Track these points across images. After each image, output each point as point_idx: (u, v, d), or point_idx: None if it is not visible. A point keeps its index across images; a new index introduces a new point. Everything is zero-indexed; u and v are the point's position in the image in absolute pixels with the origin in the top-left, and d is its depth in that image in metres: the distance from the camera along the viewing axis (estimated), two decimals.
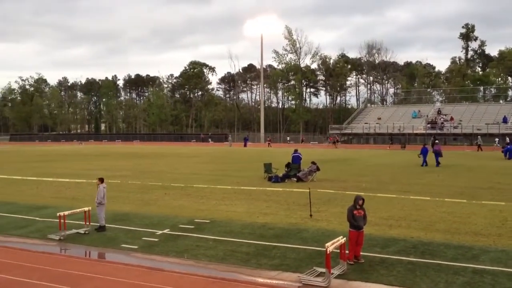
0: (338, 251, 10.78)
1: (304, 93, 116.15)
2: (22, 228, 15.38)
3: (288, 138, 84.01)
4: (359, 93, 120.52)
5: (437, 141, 45.52)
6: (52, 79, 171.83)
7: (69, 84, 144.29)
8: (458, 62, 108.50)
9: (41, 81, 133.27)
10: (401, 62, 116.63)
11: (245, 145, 70.26)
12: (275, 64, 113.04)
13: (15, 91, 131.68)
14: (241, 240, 13.34)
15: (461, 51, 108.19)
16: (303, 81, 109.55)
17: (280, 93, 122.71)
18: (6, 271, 10.90)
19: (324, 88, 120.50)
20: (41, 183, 26.32)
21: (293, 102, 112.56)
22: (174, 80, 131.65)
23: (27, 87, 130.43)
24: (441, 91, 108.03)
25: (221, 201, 19.84)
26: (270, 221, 15.77)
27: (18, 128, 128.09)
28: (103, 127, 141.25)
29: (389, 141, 68.78)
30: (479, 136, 59.30)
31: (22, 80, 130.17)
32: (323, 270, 10.19)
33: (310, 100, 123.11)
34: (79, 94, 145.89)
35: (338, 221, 15.21)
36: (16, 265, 11.39)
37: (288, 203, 19.15)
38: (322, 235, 13.70)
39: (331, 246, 10.10)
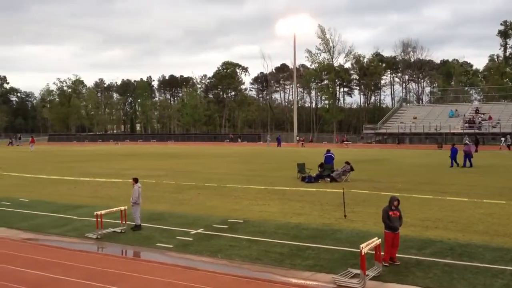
0: (373, 252, 10.67)
1: (338, 92, 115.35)
2: (61, 226, 15.75)
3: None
4: (394, 92, 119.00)
5: (467, 141, 44.38)
6: (89, 81, 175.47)
7: (105, 85, 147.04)
8: (496, 60, 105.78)
9: (78, 83, 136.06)
10: (437, 60, 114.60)
11: (278, 145, 70.25)
12: (308, 64, 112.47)
13: (54, 93, 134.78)
14: (274, 241, 13.34)
15: (499, 49, 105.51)
16: (336, 80, 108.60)
17: (313, 92, 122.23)
18: (45, 268, 11.18)
19: (358, 87, 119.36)
20: (78, 182, 26.90)
21: (326, 101, 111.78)
22: (208, 81, 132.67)
23: (65, 88, 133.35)
24: (479, 89, 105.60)
25: (254, 201, 19.88)
26: (304, 221, 15.73)
27: (56, 128, 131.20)
28: (138, 127, 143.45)
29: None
30: (508, 136, 57.79)
31: (60, 81, 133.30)
32: (358, 271, 10.10)
33: (343, 99, 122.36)
34: (115, 95, 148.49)
35: (373, 222, 15.04)
36: (55, 263, 11.67)
37: (322, 203, 19.05)
38: (356, 236, 13.57)
39: (366, 247, 10.00)
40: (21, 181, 28.04)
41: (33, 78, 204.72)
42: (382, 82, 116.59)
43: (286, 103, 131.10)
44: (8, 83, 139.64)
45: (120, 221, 15.04)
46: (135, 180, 15.52)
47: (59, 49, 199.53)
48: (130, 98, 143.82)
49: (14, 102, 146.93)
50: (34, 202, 20.35)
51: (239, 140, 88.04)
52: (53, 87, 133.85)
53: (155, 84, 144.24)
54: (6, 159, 46.22)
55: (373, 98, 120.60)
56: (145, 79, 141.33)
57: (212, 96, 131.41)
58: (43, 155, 53.36)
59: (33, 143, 65.47)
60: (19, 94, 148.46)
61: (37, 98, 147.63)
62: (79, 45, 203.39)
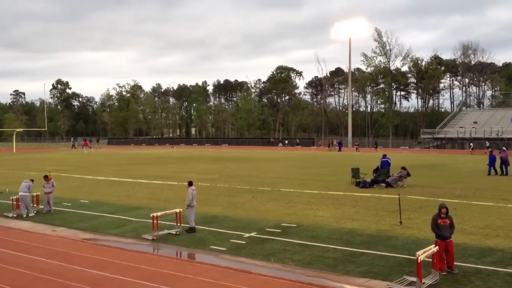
0: (430, 260, 10.38)
1: (394, 96, 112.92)
2: (119, 227, 16.22)
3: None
4: (453, 95, 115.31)
5: (504, 147, 42.28)
6: (147, 86, 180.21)
7: (162, 90, 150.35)
8: None
9: (136, 88, 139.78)
10: (500, 63, 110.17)
11: (339, 150, 69.43)
12: (363, 67, 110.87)
13: (113, 97, 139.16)
14: (328, 246, 13.22)
15: None
16: (393, 84, 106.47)
17: (368, 96, 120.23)
18: (103, 268, 11.53)
19: (415, 91, 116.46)
20: (136, 184, 27.61)
21: (382, 105, 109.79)
22: (262, 85, 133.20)
23: (124, 93, 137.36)
24: None
25: (307, 205, 19.78)
26: (358, 227, 15.51)
27: (115, 132, 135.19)
28: (193, 131, 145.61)
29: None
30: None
31: (119, 87, 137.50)
32: (414, 279, 9.87)
33: (400, 103, 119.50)
34: (171, 99, 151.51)
35: (430, 228, 14.58)
36: (112, 262, 12.02)
37: (377, 209, 18.73)
38: (412, 243, 13.28)
39: (422, 254, 9.75)
40: (81, 182, 29.09)
41: (94, 83, 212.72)
42: (441, 85, 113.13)
43: (340, 107, 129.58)
44: (70, 88, 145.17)
45: (175, 223, 15.33)
46: (190, 183, 15.78)
47: (120, 55, 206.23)
48: (186, 103, 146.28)
49: (75, 107, 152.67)
50: (94, 203, 21.06)
51: (280, 144, 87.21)
52: (112, 92, 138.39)
53: (210, 88, 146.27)
54: (68, 161, 48.06)
55: (431, 102, 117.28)
56: (200, 83, 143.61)
57: (266, 101, 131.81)
58: (103, 157, 55.12)
59: (87, 146, 67.98)
60: (80, 99, 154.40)
61: (97, 103, 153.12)
62: (138, 51, 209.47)
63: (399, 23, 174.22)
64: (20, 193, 18.66)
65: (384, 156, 28.45)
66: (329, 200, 21.01)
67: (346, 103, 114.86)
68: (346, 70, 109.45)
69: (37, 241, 14.55)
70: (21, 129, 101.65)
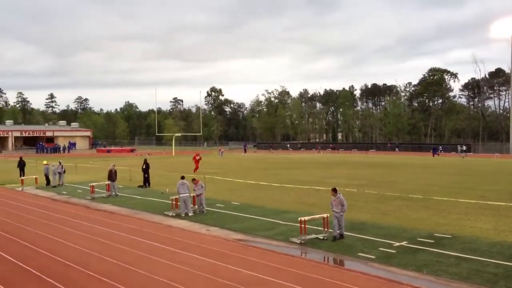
0: None
1: None
2: (268, 230, 16.64)
3: None
4: None
5: None
6: (295, 91, 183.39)
7: (309, 96, 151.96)
8: None
9: (284, 93, 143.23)
10: None
11: (434, 154, 64.83)
12: None
13: (262, 103, 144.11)
14: (487, 260, 12.24)
15: None
16: None
17: None
18: (254, 269, 11.89)
19: None
20: (283, 189, 28.15)
21: None
22: (412, 88, 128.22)
23: (272, 99, 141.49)
24: None
25: (463, 215, 18.54)
26: None
27: (263, 137, 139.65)
28: (339, 136, 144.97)
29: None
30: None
31: (268, 93, 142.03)
32: None
33: None
34: (318, 104, 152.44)
35: None
36: (263, 264, 12.34)
37: None
38: None
39: None
40: (232, 185, 30.42)
41: (244, 90, 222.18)
42: None
43: (501, 111, 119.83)
44: (223, 95, 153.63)
45: (323, 228, 15.32)
46: (334, 191, 15.47)
47: (270, 61, 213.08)
48: (332, 108, 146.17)
49: (227, 113, 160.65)
50: (244, 205, 21.88)
51: (397, 149, 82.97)
52: (261, 98, 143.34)
53: (357, 93, 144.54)
54: (220, 165, 50.61)
55: None
56: (347, 88, 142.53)
57: (416, 104, 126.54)
58: (251, 162, 57.15)
59: (222, 151, 72.16)
60: (232, 105, 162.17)
61: (247, 109, 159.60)
62: (289, 58, 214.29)
63: None
64: (182, 194, 20.00)
65: None
66: (488, 211, 19.47)
67: (508, 106, 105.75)
68: (507, 70, 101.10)
69: (193, 239, 15.49)
70: (179, 134, 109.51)
